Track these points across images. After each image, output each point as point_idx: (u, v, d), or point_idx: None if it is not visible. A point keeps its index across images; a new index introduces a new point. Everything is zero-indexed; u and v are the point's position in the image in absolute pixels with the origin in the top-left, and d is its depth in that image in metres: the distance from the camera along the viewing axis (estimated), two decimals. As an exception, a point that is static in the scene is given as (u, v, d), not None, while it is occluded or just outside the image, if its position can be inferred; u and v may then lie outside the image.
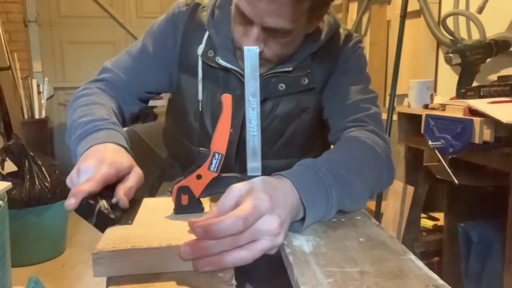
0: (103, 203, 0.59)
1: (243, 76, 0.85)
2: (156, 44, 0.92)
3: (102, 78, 0.92)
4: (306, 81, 0.86)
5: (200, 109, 0.89)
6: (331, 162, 0.65)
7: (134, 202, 0.67)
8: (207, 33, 0.88)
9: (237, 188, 0.53)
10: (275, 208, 0.51)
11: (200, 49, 0.87)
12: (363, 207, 0.71)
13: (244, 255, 0.48)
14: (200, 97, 0.88)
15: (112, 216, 0.59)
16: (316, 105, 0.89)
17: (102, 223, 0.58)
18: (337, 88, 0.88)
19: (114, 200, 0.62)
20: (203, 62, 0.87)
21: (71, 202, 0.56)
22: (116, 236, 0.55)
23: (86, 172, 0.62)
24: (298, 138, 0.90)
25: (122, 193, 0.62)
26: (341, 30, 0.92)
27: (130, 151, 0.74)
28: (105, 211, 0.59)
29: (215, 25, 0.87)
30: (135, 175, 0.66)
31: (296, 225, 0.60)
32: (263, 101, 0.84)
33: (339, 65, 0.89)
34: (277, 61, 0.84)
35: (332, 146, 0.85)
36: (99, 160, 0.63)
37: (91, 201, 0.58)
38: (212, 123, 0.89)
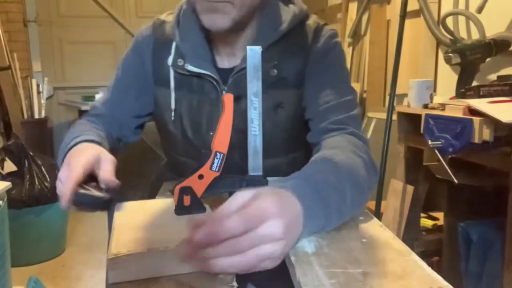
0: (93, 189, 0.64)
1: (215, 80, 0.86)
2: (129, 73, 0.94)
3: (92, 114, 0.94)
4: (275, 72, 0.86)
5: (173, 118, 0.90)
6: (318, 172, 0.63)
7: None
8: (174, 43, 0.88)
9: (242, 194, 0.51)
10: (283, 213, 0.49)
11: (170, 59, 0.88)
12: (362, 210, 0.70)
13: (239, 260, 0.47)
14: (172, 106, 0.89)
15: (108, 196, 0.64)
16: (292, 101, 0.88)
17: (101, 205, 0.63)
18: (319, 88, 0.87)
19: (102, 186, 0.66)
20: (174, 71, 0.88)
21: (63, 202, 0.63)
22: (124, 241, 0.54)
23: (64, 176, 0.66)
24: (278, 136, 0.89)
25: (107, 177, 0.65)
26: (311, 22, 0.91)
27: (104, 145, 0.79)
28: (100, 195, 0.64)
29: (181, 34, 0.88)
30: (106, 161, 0.68)
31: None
32: (238, 100, 0.82)
33: (315, 60, 0.88)
34: (240, 5, 0.78)
35: (312, 147, 0.85)
36: (69, 159, 0.68)
37: (82, 191, 0.63)
38: (192, 129, 0.90)
